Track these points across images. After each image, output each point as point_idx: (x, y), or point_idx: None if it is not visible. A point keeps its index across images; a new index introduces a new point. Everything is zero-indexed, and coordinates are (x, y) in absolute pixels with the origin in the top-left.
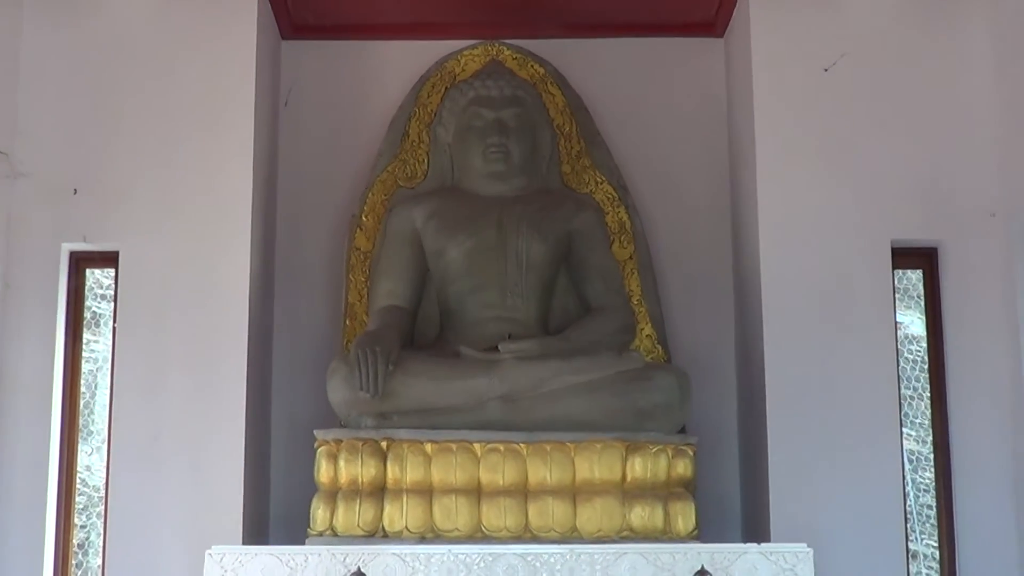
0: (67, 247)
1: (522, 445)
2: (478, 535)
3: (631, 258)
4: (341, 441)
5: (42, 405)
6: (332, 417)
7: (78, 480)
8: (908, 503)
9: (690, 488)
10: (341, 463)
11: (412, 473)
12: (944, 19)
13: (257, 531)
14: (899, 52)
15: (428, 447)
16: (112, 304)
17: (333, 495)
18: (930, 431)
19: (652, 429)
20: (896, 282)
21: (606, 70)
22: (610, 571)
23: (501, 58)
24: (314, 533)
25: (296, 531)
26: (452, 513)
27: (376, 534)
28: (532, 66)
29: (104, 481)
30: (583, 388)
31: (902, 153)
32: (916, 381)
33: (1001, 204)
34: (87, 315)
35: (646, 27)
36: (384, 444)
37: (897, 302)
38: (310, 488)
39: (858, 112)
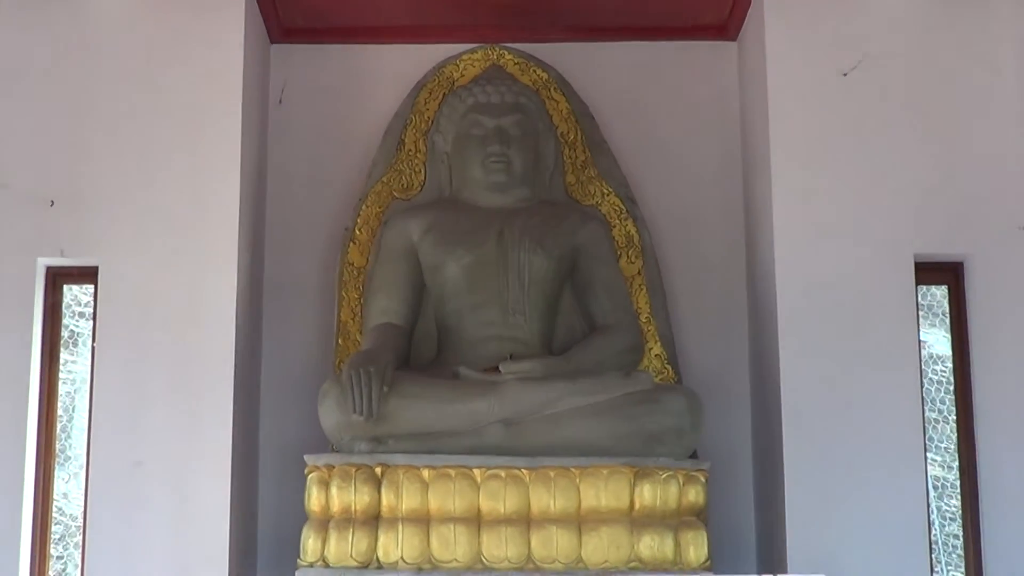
0: (43, 262)
1: (524, 471)
2: (478, 566)
3: (639, 274)
4: (333, 467)
5: (16, 429)
6: (323, 442)
7: (54, 508)
8: (933, 532)
9: (702, 516)
10: (333, 490)
11: (408, 501)
12: (970, 21)
13: (244, 563)
14: (922, 55)
15: (425, 473)
16: (91, 322)
17: (325, 524)
18: (956, 456)
19: (662, 454)
20: (920, 298)
21: (612, 75)
22: None
23: (502, 63)
24: (304, 564)
25: (285, 562)
26: (450, 543)
27: (370, 565)
28: (535, 71)
29: (82, 509)
30: (588, 411)
31: (926, 162)
32: (941, 403)
33: None
34: (64, 334)
35: (655, 30)
36: (379, 470)
37: (921, 320)
38: (300, 517)
39: (879, 119)
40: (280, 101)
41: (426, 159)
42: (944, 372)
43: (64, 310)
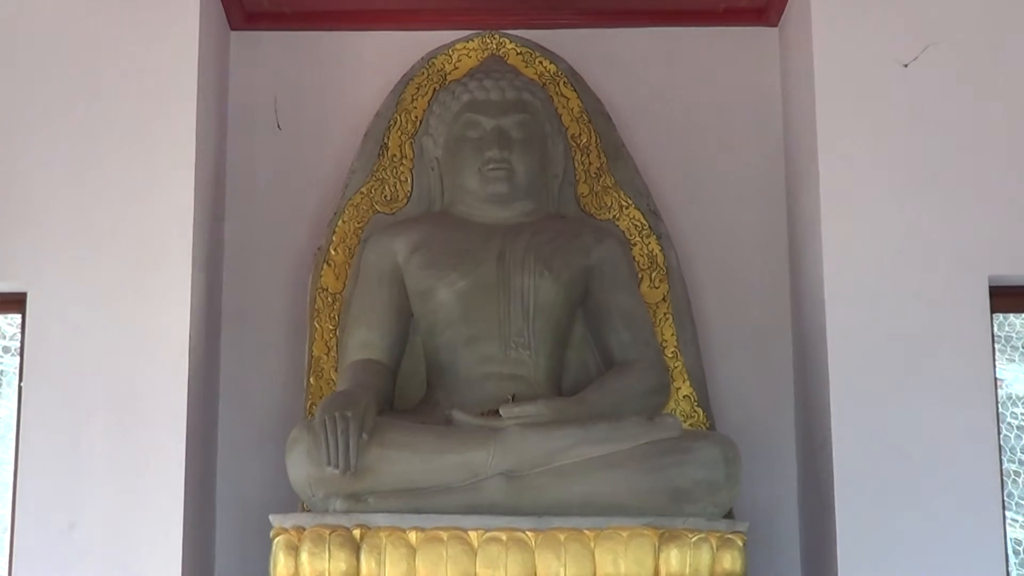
0: None
1: (529, 533)
2: None
3: (664, 300)
4: (304, 529)
5: None
6: (292, 499)
7: None
8: None
9: None
10: (303, 556)
11: (392, 569)
12: None
13: None
14: (997, 44)
15: (412, 536)
16: (17, 358)
17: None
18: None
19: (692, 513)
20: (995, 328)
21: (633, 67)
22: None
23: (502, 52)
24: None
25: None
26: None
27: None
28: (541, 62)
29: None
30: (605, 462)
31: (1002, 169)
32: (1022, 452)
33: None
34: None
35: (682, 14)
36: (357, 532)
37: (997, 353)
38: None
39: (946, 118)
40: (278, 127)
41: (413, 166)
42: None
43: None
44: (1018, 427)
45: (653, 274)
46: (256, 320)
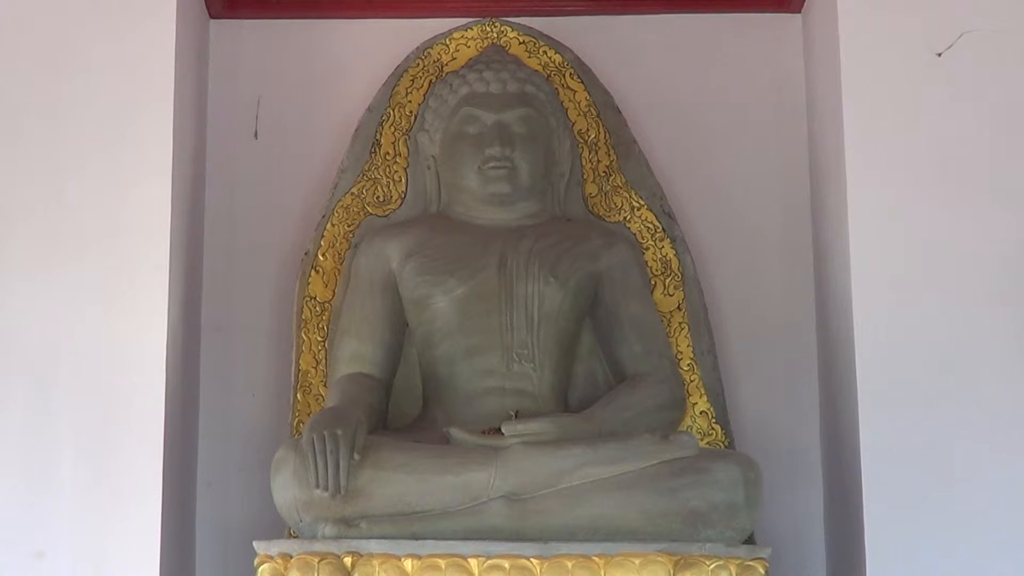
0: None
1: (534, 561)
2: None
3: (679, 308)
4: (290, 556)
5: None
6: (278, 524)
7: None
8: None
9: None
10: None
11: None
12: None
13: None
14: None
15: (407, 563)
16: None
17: None
18: None
19: (709, 538)
20: None
21: (644, 57)
22: None
23: (504, 41)
24: None
25: None
26: None
27: None
28: (546, 52)
29: None
30: (615, 484)
31: None
32: None
33: None
34: None
35: (697, 0)
36: (348, 560)
37: None
38: None
39: (983, 111)
40: (256, 135)
41: (407, 164)
42: None
43: None
44: None
45: (667, 280)
46: (238, 332)
